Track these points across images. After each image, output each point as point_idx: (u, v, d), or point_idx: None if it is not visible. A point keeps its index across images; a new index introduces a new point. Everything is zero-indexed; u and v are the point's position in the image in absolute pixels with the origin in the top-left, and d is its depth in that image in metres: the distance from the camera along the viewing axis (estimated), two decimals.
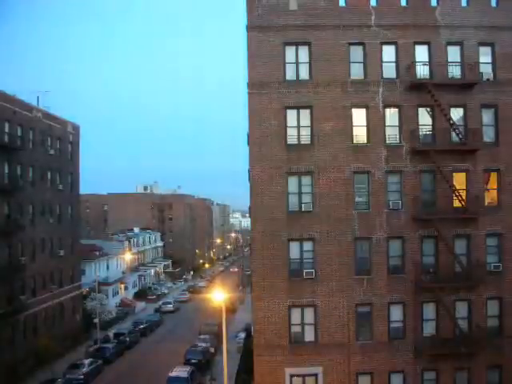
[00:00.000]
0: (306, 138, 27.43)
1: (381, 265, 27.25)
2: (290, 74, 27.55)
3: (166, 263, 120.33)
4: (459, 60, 27.94)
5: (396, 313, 27.43)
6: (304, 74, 27.59)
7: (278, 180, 27.07)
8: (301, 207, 27.24)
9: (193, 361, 42.92)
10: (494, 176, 28.00)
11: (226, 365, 31.54)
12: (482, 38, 27.82)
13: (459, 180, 27.74)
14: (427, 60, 27.77)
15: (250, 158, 27.44)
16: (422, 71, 27.65)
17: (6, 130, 44.40)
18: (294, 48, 27.53)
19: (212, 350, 48.56)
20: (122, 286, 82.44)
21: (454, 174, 27.65)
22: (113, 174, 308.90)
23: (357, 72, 27.63)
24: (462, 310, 27.62)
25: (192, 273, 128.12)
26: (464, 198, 27.48)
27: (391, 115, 27.70)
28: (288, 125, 27.36)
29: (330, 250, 27.02)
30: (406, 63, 27.53)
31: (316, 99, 27.24)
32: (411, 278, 27.19)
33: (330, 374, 26.60)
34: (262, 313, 26.86)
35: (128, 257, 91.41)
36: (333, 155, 27.23)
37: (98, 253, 76.10)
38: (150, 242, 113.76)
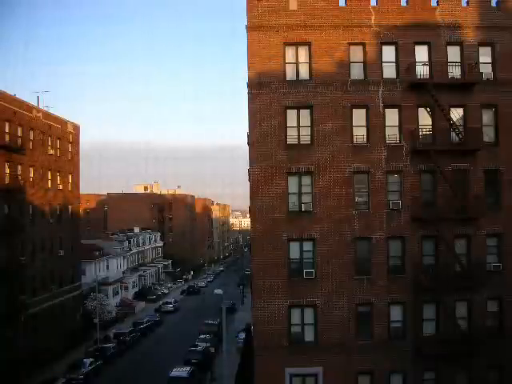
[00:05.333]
0: (305, 138, 27.43)
1: (381, 265, 27.24)
2: (290, 74, 27.55)
3: (166, 263, 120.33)
4: (459, 60, 27.94)
5: (396, 313, 27.42)
6: (304, 73, 27.60)
7: (278, 180, 27.06)
8: (301, 207, 27.23)
9: (193, 361, 42.94)
10: (493, 176, 27.98)
11: (226, 365, 31.61)
12: (481, 38, 27.82)
13: (459, 180, 27.74)
14: (427, 60, 27.77)
15: (249, 158, 27.44)
16: (422, 71, 27.64)
17: (6, 130, 44.45)
18: (293, 48, 27.53)
19: (212, 349, 48.59)
20: (123, 286, 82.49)
21: (454, 173, 27.63)
22: (113, 174, 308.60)
23: (357, 72, 27.62)
24: (461, 309, 27.62)
25: (192, 273, 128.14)
26: (464, 198, 27.47)
27: (391, 115, 27.68)
28: (288, 125, 27.35)
29: (330, 250, 27.01)
30: (405, 63, 27.52)
31: (316, 99, 27.24)
32: (411, 278, 27.19)
33: (329, 374, 26.57)
34: (262, 313, 26.85)
35: (128, 257, 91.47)
36: (333, 155, 27.22)
37: (98, 253, 76.11)
38: (150, 241, 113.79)
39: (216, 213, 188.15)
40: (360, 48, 27.57)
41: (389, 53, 27.72)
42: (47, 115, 52.93)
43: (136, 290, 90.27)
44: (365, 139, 27.54)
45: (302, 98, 27.26)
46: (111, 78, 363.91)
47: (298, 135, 27.44)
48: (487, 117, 28.24)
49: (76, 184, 60.10)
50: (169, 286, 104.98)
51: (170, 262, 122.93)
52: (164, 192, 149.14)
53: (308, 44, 27.39)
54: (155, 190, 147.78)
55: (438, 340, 26.94)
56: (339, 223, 27.10)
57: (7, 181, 44.40)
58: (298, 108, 27.40)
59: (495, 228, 27.73)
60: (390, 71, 27.71)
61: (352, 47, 27.55)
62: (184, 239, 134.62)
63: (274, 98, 27.13)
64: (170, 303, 79.33)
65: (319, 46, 27.27)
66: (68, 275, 56.47)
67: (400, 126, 27.62)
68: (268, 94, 27.11)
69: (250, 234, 32.84)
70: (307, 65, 27.53)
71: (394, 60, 27.73)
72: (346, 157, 27.27)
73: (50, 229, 52.20)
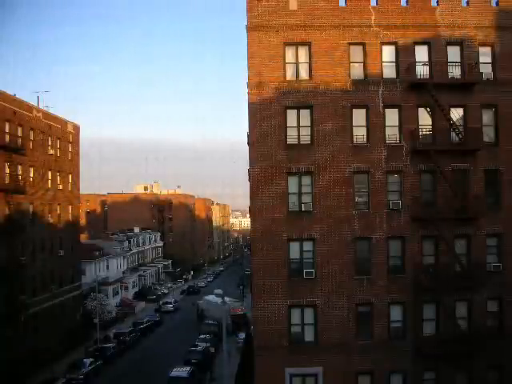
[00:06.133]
0: (306, 138, 27.42)
1: (381, 265, 27.23)
2: (290, 74, 27.55)
3: (166, 263, 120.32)
4: (459, 60, 27.94)
5: (396, 313, 27.41)
6: (304, 73, 27.60)
7: (278, 180, 27.06)
8: (301, 207, 27.22)
9: (193, 361, 42.91)
10: (493, 176, 27.98)
11: (226, 365, 31.60)
12: (482, 38, 27.83)
13: (459, 180, 27.74)
14: (427, 60, 27.77)
15: (249, 158, 27.44)
16: (422, 71, 27.65)
17: (7, 130, 44.45)
18: (294, 48, 27.52)
19: (212, 349, 48.58)
20: (123, 286, 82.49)
21: (454, 173, 27.63)
22: (113, 174, 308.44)
23: (357, 72, 27.63)
24: (462, 309, 27.62)
25: (192, 273, 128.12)
26: (464, 198, 27.47)
27: (391, 115, 27.67)
28: (288, 125, 27.34)
29: (329, 250, 27.00)
30: (405, 63, 27.53)
31: (316, 99, 27.23)
32: (411, 278, 27.19)
33: (329, 373, 26.56)
34: (262, 313, 26.84)
35: (128, 257, 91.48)
36: (333, 155, 27.21)
37: (98, 253, 76.13)
38: (150, 241, 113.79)
39: (216, 213, 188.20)
40: (360, 48, 27.57)
41: (389, 53, 27.72)
42: (47, 115, 52.94)
43: (136, 290, 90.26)
44: (365, 139, 27.53)
45: (302, 97, 27.26)
46: (111, 78, 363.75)
47: (298, 135, 27.43)
48: (487, 117, 28.23)
49: (76, 184, 60.11)
50: (169, 286, 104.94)
51: (170, 262, 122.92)
52: (164, 192, 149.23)
53: (308, 44, 27.38)
54: (155, 190, 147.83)
55: (438, 340, 26.93)
56: (339, 223, 27.09)
57: (7, 181, 44.38)
58: (298, 108, 27.39)
59: (495, 228, 27.73)
60: (390, 71, 27.71)
61: (352, 47, 27.55)
62: (184, 239, 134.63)
63: (274, 98, 27.13)
64: (170, 303, 79.33)
65: (319, 46, 27.27)
66: (68, 275, 56.46)
67: (400, 126, 27.61)
68: (268, 93, 27.11)
69: (249, 233, 32.82)
70: (307, 65, 27.52)
71: (394, 60, 27.73)
72: (346, 157, 27.26)
73: (50, 229, 52.21)
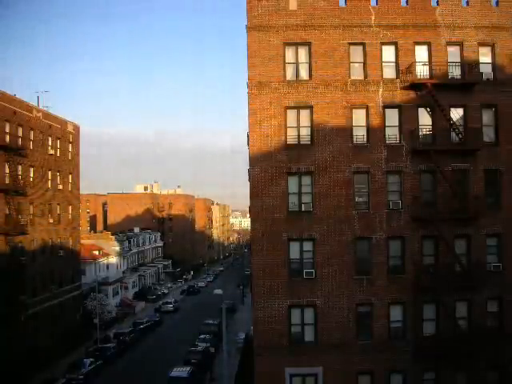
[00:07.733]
0: (306, 138, 27.43)
1: (381, 265, 27.23)
2: (290, 74, 27.55)
3: (166, 263, 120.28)
4: (459, 60, 27.95)
5: (396, 313, 27.40)
6: (304, 74, 27.60)
7: (278, 180, 27.06)
8: (301, 207, 27.22)
9: (193, 361, 42.90)
10: (493, 176, 27.98)
11: (226, 365, 31.57)
12: (482, 38, 27.83)
13: (459, 180, 27.73)
14: (427, 60, 27.78)
15: (249, 158, 27.44)
16: (422, 71, 27.66)
17: (7, 130, 44.45)
18: (293, 48, 27.53)
19: (212, 349, 48.57)
20: (123, 286, 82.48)
21: (454, 173, 27.63)
22: (113, 174, 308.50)
23: (357, 72, 27.63)
24: (462, 309, 27.61)
25: (192, 273, 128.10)
26: (464, 198, 27.47)
27: (391, 115, 27.67)
28: (288, 125, 27.35)
29: (330, 250, 27.00)
30: (406, 63, 27.53)
31: (316, 99, 27.23)
32: (411, 278, 27.19)
33: (329, 373, 26.55)
34: (262, 313, 26.84)
35: (128, 257, 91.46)
36: (333, 155, 27.21)
37: (98, 253, 76.12)
38: (149, 242, 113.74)
39: (216, 213, 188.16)
40: (360, 48, 27.57)
41: (389, 53, 27.72)
42: (47, 115, 52.95)
43: (136, 290, 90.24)
44: (365, 139, 27.53)
45: (302, 97, 27.25)
46: (112, 78, 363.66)
47: (298, 135, 27.43)
48: (487, 117, 28.23)
49: (76, 184, 60.12)
50: (169, 285, 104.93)
51: (169, 261, 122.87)
52: (164, 192, 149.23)
53: (308, 44, 27.38)
54: (155, 190, 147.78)
55: (438, 340, 26.93)
56: (339, 223, 27.09)
57: (7, 181, 44.38)
58: (298, 108, 27.38)
59: (495, 228, 27.73)
60: (390, 71, 27.72)
61: (352, 47, 27.55)
62: (184, 239, 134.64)
63: (274, 98, 27.12)
64: (170, 303, 79.31)
65: (319, 46, 27.28)
66: (68, 275, 56.46)
67: (400, 126, 27.61)
68: (268, 94, 27.10)
69: (250, 234, 32.84)
70: (307, 65, 27.53)
71: (393, 60, 27.73)
72: (346, 157, 27.26)
73: (49, 229, 52.19)
